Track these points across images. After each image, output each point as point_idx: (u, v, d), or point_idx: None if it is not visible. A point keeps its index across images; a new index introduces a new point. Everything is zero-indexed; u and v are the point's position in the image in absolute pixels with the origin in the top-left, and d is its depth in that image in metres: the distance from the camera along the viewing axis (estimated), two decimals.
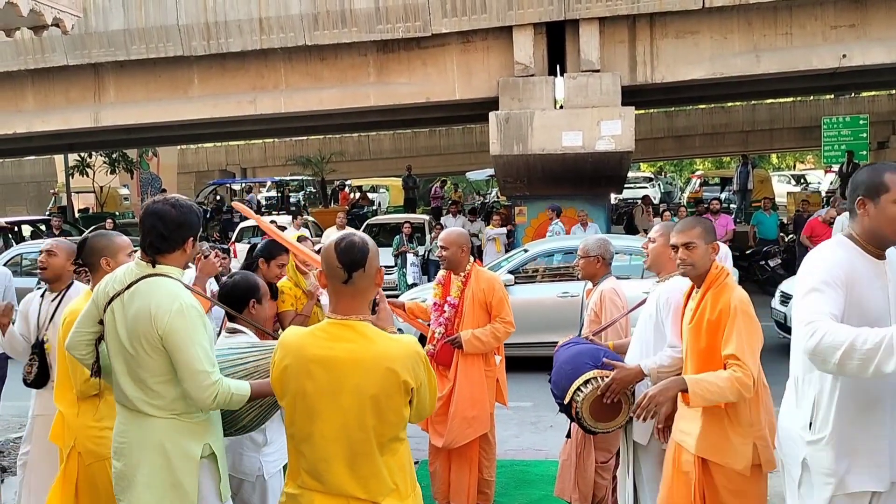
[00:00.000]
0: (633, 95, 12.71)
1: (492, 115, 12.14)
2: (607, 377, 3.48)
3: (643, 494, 3.67)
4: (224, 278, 4.85)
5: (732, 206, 21.07)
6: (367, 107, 13.65)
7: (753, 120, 29.10)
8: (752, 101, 27.87)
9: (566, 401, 3.51)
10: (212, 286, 5.17)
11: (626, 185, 24.95)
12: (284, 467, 3.61)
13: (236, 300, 3.36)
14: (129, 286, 2.71)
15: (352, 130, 27.16)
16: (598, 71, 12.02)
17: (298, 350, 2.25)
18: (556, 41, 12.45)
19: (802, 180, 30.88)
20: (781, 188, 26.27)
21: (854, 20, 11.86)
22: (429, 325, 4.72)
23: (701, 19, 11.97)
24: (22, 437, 6.23)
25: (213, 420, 2.78)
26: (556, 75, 12.63)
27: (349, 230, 2.63)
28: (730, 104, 28.35)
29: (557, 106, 12.41)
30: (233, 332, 3.32)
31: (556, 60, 12.64)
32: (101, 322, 2.81)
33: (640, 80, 12.27)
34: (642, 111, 25.96)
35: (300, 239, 4.74)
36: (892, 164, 2.58)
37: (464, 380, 4.43)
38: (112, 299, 2.73)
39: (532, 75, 12.23)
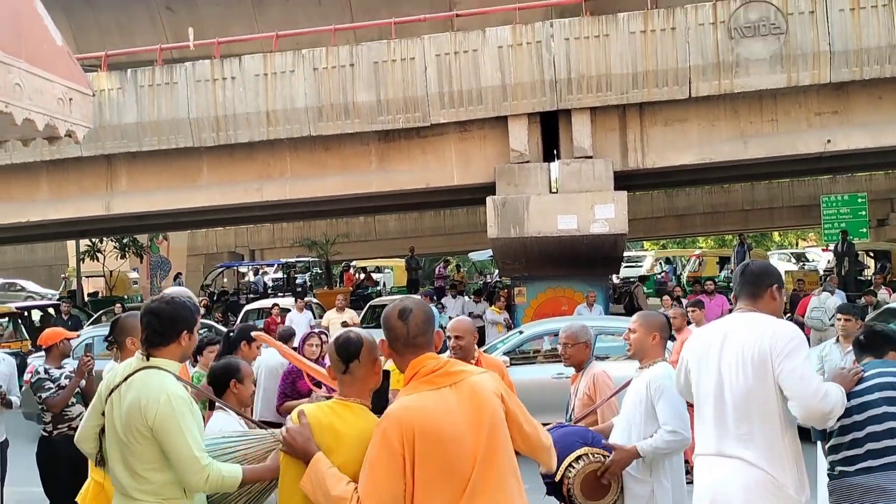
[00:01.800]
0: (625, 179, 13.12)
1: (489, 199, 12.54)
2: (598, 454, 3.64)
3: None
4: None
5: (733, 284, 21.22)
6: (369, 193, 14.12)
7: (753, 199, 29.56)
8: (751, 181, 28.43)
9: (558, 478, 3.63)
10: None
11: (632, 264, 25.39)
12: None
13: (219, 381, 3.64)
14: (126, 378, 2.93)
15: (356, 214, 27.73)
16: (590, 157, 12.47)
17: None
18: (550, 128, 12.95)
19: (802, 258, 31.10)
20: (781, 266, 26.47)
21: (837, 107, 12.35)
22: None
23: (688, 108, 12.49)
24: None
25: None
26: (551, 160, 13.09)
27: (349, 327, 2.91)
28: (728, 185, 28.89)
29: (552, 190, 12.81)
30: (219, 407, 3.61)
31: (551, 146, 13.13)
32: (104, 413, 3.02)
33: (631, 165, 12.71)
34: (642, 192, 26.54)
35: (344, 324, 5.01)
36: None
37: None
38: (112, 391, 2.96)
39: (527, 161, 12.69)
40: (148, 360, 2.97)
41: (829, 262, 22.43)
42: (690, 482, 3.24)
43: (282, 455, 2.55)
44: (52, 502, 5.66)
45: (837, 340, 6.52)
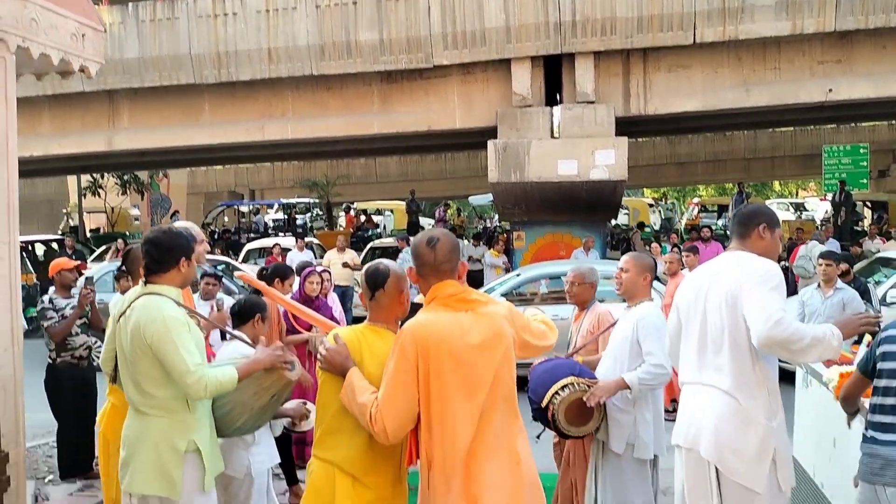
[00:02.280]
0: (627, 126, 13.13)
1: (490, 143, 12.58)
2: (584, 383, 3.84)
3: (605, 500, 4.03)
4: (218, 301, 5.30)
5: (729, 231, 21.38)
6: (370, 134, 14.14)
7: (755, 148, 29.45)
8: (753, 129, 28.29)
9: (544, 404, 3.85)
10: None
11: (627, 211, 25.48)
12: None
13: (246, 312, 3.93)
14: (130, 304, 3.17)
15: (357, 156, 27.69)
16: (592, 102, 12.46)
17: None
18: (553, 73, 12.90)
19: (801, 208, 31.17)
20: (780, 215, 26.44)
21: (840, 56, 12.29)
22: None
23: (692, 54, 12.43)
24: (38, 444, 6.63)
25: (199, 419, 3.17)
26: (553, 104, 13.07)
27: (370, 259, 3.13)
28: (730, 132, 28.76)
29: (554, 135, 12.83)
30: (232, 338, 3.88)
31: (553, 91, 13.10)
32: None
33: (633, 111, 12.71)
34: (644, 139, 26.46)
35: (344, 265, 5.17)
36: None
37: None
38: (120, 317, 3.21)
39: (529, 106, 12.68)
40: (146, 286, 3.19)
41: (826, 211, 22.51)
42: (672, 420, 3.41)
43: (320, 372, 2.81)
44: (61, 424, 5.94)
45: (819, 286, 6.68)
